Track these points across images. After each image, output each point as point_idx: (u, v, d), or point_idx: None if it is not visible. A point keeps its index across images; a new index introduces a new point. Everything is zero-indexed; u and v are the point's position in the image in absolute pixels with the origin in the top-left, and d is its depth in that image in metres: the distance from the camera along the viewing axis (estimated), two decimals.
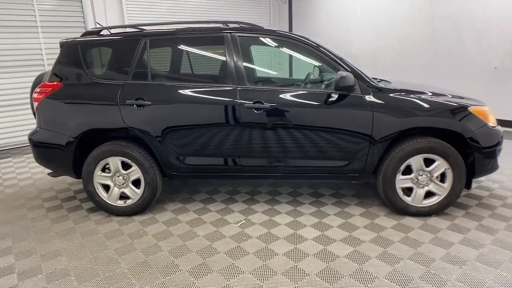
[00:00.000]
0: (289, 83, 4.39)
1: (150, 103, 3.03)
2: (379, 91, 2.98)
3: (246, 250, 2.68)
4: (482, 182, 3.85)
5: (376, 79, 3.62)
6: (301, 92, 3.05)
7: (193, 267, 2.49)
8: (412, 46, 6.98)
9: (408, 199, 3.08)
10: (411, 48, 7.01)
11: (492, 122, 3.05)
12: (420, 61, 6.93)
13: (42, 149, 3.24)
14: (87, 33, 3.28)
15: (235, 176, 3.20)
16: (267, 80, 4.45)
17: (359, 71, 3.02)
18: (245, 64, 3.95)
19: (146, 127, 3.06)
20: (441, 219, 3.05)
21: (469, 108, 2.96)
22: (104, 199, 3.25)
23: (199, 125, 3.05)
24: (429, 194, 3.09)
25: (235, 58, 3.06)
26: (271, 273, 2.40)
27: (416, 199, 3.07)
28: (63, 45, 3.22)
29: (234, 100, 3.00)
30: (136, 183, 3.24)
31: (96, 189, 3.23)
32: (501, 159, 4.54)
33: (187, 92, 3.06)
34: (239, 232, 2.95)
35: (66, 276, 2.47)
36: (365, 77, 3.02)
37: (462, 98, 3.16)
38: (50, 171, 3.46)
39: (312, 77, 3.74)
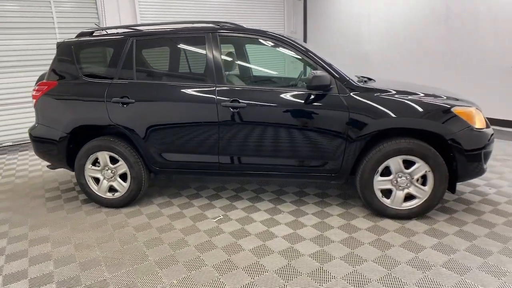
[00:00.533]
0: (283, 82, 4.40)
1: (133, 101, 3.18)
2: (357, 91, 2.95)
3: (215, 245, 2.76)
4: (479, 186, 3.69)
5: (360, 77, 3.58)
6: (278, 91, 3.07)
7: (161, 258, 2.61)
8: (426, 44, 6.73)
9: (387, 201, 3.03)
10: (424, 46, 6.76)
11: (479, 124, 2.92)
12: (434, 59, 6.67)
13: (40, 143, 3.49)
14: (81, 34, 3.47)
15: (216, 173, 3.28)
16: (264, 79, 4.49)
17: (336, 70, 3.00)
18: (241, 63, 4.04)
19: (129, 124, 3.22)
20: (421, 223, 2.97)
21: (452, 109, 2.86)
22: (95, 191, 3.45)
23: (179, 122, 3.16)
24: (411, 197, 3.02)
25: (214, 58, 3.14)
26: (232, 267, 2.46)
27: (395, 202, 3.01)
28: (59, 45, 3.44)
29: (212, 98, 3.08)
30: (124, 177, 3.41)
31: (88, 181, 3.43)
32: (505, 163, 4.34)
33: (168, 90, 3.17)
34: (214, 227, 3.04)
35: (47, 260, 2.66)
36: (343, 76, 2.99)
37: (457, 99, 3.06)
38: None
39: (304, 76, 3.75)
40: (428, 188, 2.94)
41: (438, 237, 2.75)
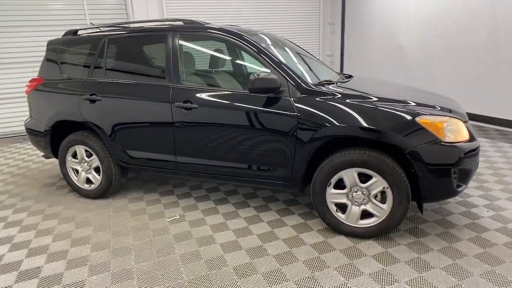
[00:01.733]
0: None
1: (100, 98, 3.31)
2: (310, 94, 2.70)
3: (154, 245, 2.78)
4: (476, 207, 3.17)
5: (344, 74, 3.27)
6: (229, 92, 2.94)
7: (99, 255, 2.69)
8: (468, 35, 5.89)
9: (341, 216, 2.76)
10: (466, 39, 5.93)
11: (455, 137, 2.50)
12: (477, 52, 5.83)
13: (32, 135, 3.83)
14: (66, 33, 3.69)
15: (174, 172, 3.28)
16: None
17: (291, 72, 2.78)
18: (234, 62, 3.95)
19: (96, 120, 3.36)
20: (376, 244, 2.65)
21: (416, 118, 2.47)
22: (75, 181, 3.69)
23: (141, 121, 3.21)
24: (371, 214, 2.71)
25: (173, 57, 3.11)
26: (152, 270, 2.46)
27: (350, 218, 2.72)
28: (48, 43, 3.70)
29: (168, 98, 3.06)
30: (98, 170, 3.58)
31: (69, 172, 3.69)
32: None
33: (130, 89, 3.23)
34: (163, 227, 3.05)
35: (7, 243, 2.93)
36: (298, 78, 2.76)
37: (451, 111, 2.66)
38: None
39: None
40: (387, 206, 2.61)
41: (385, 263, 2.43)
